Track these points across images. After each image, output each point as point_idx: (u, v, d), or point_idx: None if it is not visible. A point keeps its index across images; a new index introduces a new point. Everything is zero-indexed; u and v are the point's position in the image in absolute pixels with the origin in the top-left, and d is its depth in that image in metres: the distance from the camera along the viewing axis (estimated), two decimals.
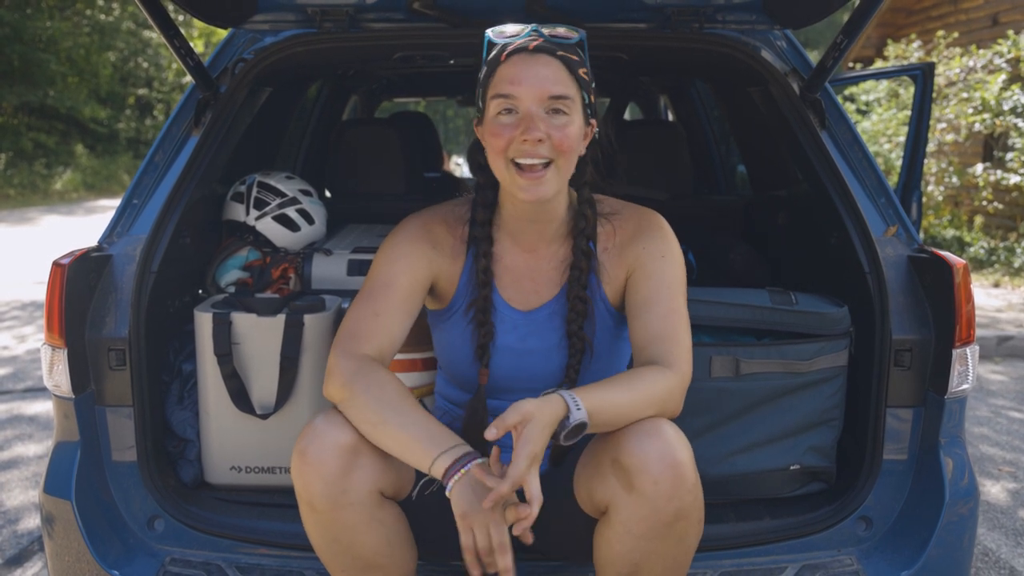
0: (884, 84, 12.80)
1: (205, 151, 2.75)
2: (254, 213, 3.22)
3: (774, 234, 3.76)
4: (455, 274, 2.22)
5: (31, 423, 5.42)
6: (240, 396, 2.70)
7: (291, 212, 3.28)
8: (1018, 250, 10.88)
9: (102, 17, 27.55)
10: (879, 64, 13.31)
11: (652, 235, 2.16)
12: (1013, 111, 10.64)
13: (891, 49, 12.98)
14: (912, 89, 4.57)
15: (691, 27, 2.82)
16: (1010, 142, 11.11)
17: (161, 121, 28.65)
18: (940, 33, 12.19)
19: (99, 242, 2.58)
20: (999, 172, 11.09)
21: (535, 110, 1.97)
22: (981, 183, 11.27)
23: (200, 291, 3.09)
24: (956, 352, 2.42)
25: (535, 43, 2.01)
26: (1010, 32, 11.23)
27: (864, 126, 12.72)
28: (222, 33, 3.14)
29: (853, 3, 2.55)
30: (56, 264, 2.37)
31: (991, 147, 12.63)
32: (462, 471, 1.83)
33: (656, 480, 1.81)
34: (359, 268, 3.14)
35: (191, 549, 2.45)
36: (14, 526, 3.97)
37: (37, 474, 4.58)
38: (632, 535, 1.87)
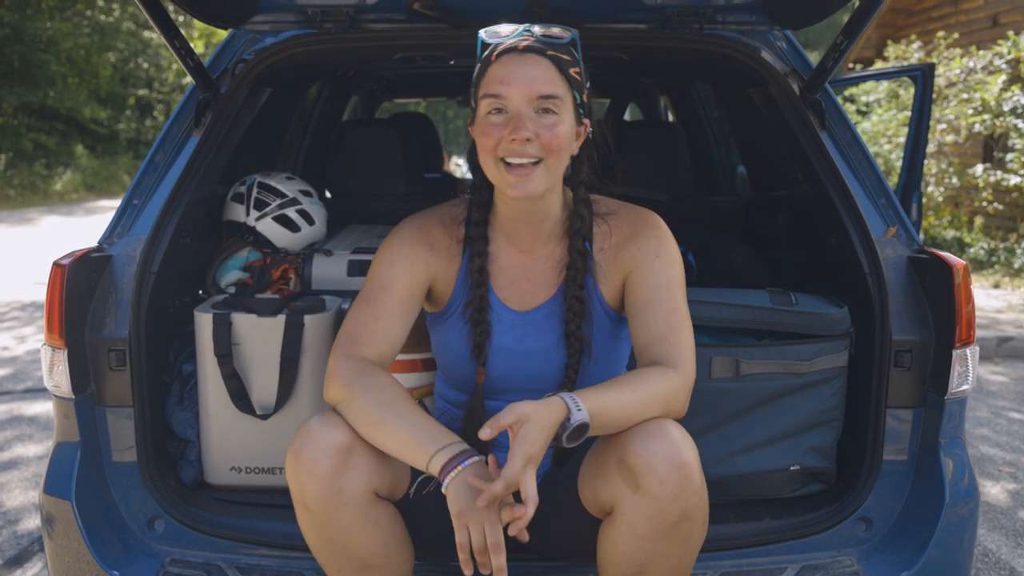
0: (884, 85, 12.80)
1: (205, 152, 2.75)
2: (254, 214, 3.22)
3: (774, 235, 3.76)
4: (451, 275, 2.22)
5: (31, 424, 5.42)
6: (240, 397, 2.70)
7: (291, 213, 3.28)
8: (1018, 251, 10.88)
9: (102, 18, 27.56)
10: (879, 65, 13.31)
11: (648, 235, 2.16)
12: (1013, 112, 10.64)
13: (891, 50, 12.98)
14: (912, 90, 4.56)
15: (691, 28, 2.82)
16: (1010, 143, 11.11)
17: (161, 122, 28.66)
18: (940, 34, 12.18)
19: (99, 242, 2.58)
20: (999, 173, 11.09)
21: (524, 109, 1.97)
22: (981, 184, 11.27)
23: (200, 292, 3.09)
24: (956, 353, 2.42)
25: (525, 43, 2.01)
26: (1010, 33, 11.22)
27: (864, 127, 12.71)
28: (222, 34, 3.14)
29: (853, 4, 2.55)
30: (56, 264, 2.37)
31: (991, 148, 12.63)
32: (458, 468, 1.83)
33: (662, 480, 1.81)
34: (359, 269, 3.14)
35: (191, 549, 2.45)
36: (14, 526, 3.96)
37: (37, 475, 4.58)
38: (637, 535, 1.87)
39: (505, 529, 2.30)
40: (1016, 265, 10.52)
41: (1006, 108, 10.64)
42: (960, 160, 11.99)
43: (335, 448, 1.91)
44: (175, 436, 2.76)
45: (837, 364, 2.63)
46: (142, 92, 30.17)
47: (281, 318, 2.69)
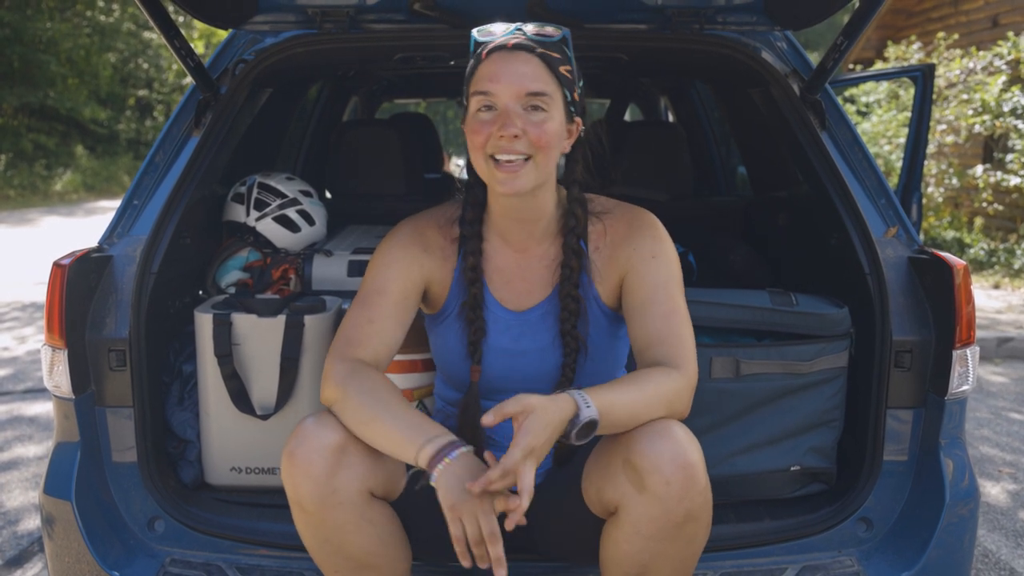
0: (884, 85, 12.79)
1: (205, 152, 2.75)
2: (254, 214, 3.22)
3: (774, 235, 3.76)
4: (447, 276, 2.23)
5: (31, 424, 5.42)
6: (240, 397, 2.70)
7: (291, 213, 3.28)
8: (1018, 252, 10.88)
9: (102, 18, 27.55)
10: (879, 66, 13.31)
11: (643, 236, 2.16)
12: (1013, 112, 10.63)
13: (891, 51, 12.98)
14: (912, 91, 4.56)
15: (691, 28, 2.82)
16: (1010, 144, 11.10)
17: (161, 122, 28.65)
18: (940, 35, 12.18)
19: (99, 243, 2.58)
20: (999, 174, 11.08)
21: (512, 106, 1.98)
22: (981, 185, 11.27)
23: (200, 292, 3.09)
24: (956, 353, 2.42)
25: (515, 41, 2.02)
26: (1010, 34, 11.21)
27: (864, 127, 12.71)
28: (222, 34, 3.15)
29: (853, 4, 2.56)
30: (56, 265, 2.37)
31: (991, 149, 12.62)
32: (447, 460, 1.82)
33: (668, 481, 1.81)
34: (359, 269, 3.14)
35: (191, 550, 2.45)
36: (14, 527, 3.96)
37: (37, 475, 4.57)
38: (641, 536, 1.87)
39: (502, 524, 2.31)
40: (1016, 266, 10.52)
41: (1006, 109, 10.63)
42: (960, 161, 11.99)
43: (329, 448, 1.92)
44: (175, 436, 2.76)
45: (837, 364, 2.63)
46: (142, 93, 30.17)
47: (281, 318, 2.69)
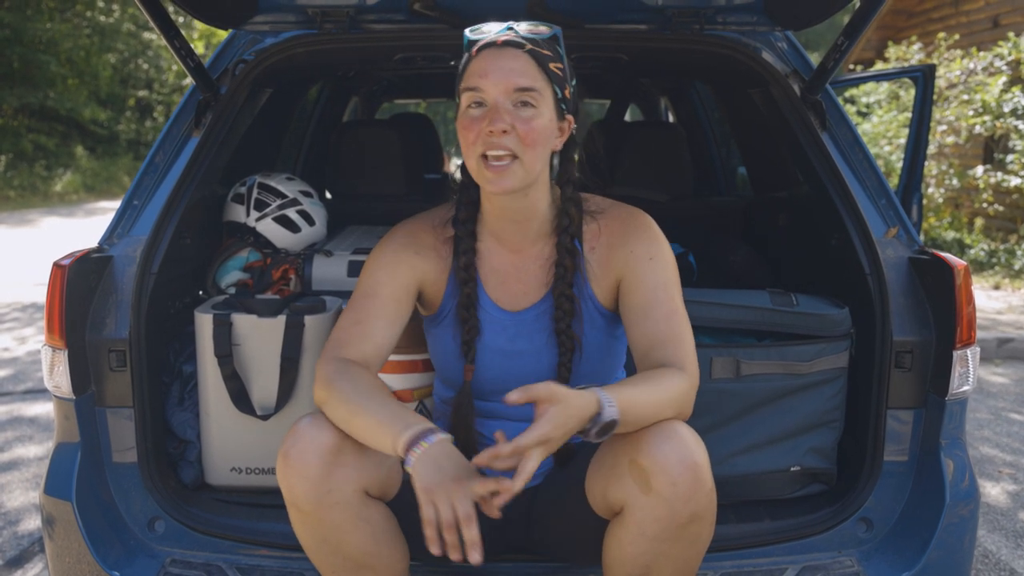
0: (885, 86, 12.79)
1: (205, 152, 2.75)
2: (254, 214, 3.22)
3: (775, 235, 3.76)
4: (441, 277, 2.23)
5: (31, 424, 5.42)
6: (240, 397, 2.70)
7: (291, 213, 3.28)
8: (1019, 252, 10.87)
9: (102, 19, 27.55)
10: (880, 66, 13.31)
11: (639, 237, 2.15)
12: (1013, 113, 10.64)
13: (892, 51, 12.98)
14: (913, 91, 4.56)
15: (692, 28, 2.82)
16: (1010, 144, 11.10)
17: (161, 123, 28.64)
18: (941, 35, 12.18)
19: (99, 243, 2.58)
20: (999, 174, 11.09)
21: (502, 102, 1.98)
22: (981, 185, 11.27)
23: (200, 292, 3.09)
24: (957, 354, 2.41)
25: (504, 38, 2.02)
26: (1011, 34, 11.22)
27: (865, 128, 12.71)
28: (223, 34, 3.15)
29: (854, 5, 2.56)
30: (56, 265, 2.37)
31: (991, 149, 12.62)
32: (423, 444, 1.80)
33: (675, 482, 1.81)
34: (359, 269, 3.13)
35: (191, 550, 2.45)
36: (14, 527, 3.96)
37: (37, 475, 4.57)
38: (646, 536, 1.87)
39: (505, 529, 2.31)
40: (1016, 266, 10.52)
41: (1006, 109, 10.64)
42: (960, 161, 11.99)
43: (323, 448, 1.92)
44: (175, 437, 2.76)
45: (838, 365, 2.63)
46: (142, 93, 30.16)
47: (281, 319, 2.69)
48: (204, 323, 2.69)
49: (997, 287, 9.89)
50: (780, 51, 2.93)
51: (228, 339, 2.68)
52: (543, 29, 2.07)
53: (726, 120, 4.76)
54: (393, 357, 2.67)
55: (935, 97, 10.30)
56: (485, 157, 2.00)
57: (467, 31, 2.10)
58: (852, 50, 2.71)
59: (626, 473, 1.87)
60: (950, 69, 11.44)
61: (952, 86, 11.36)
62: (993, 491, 4.48)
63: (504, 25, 2.06)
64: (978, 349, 2.49)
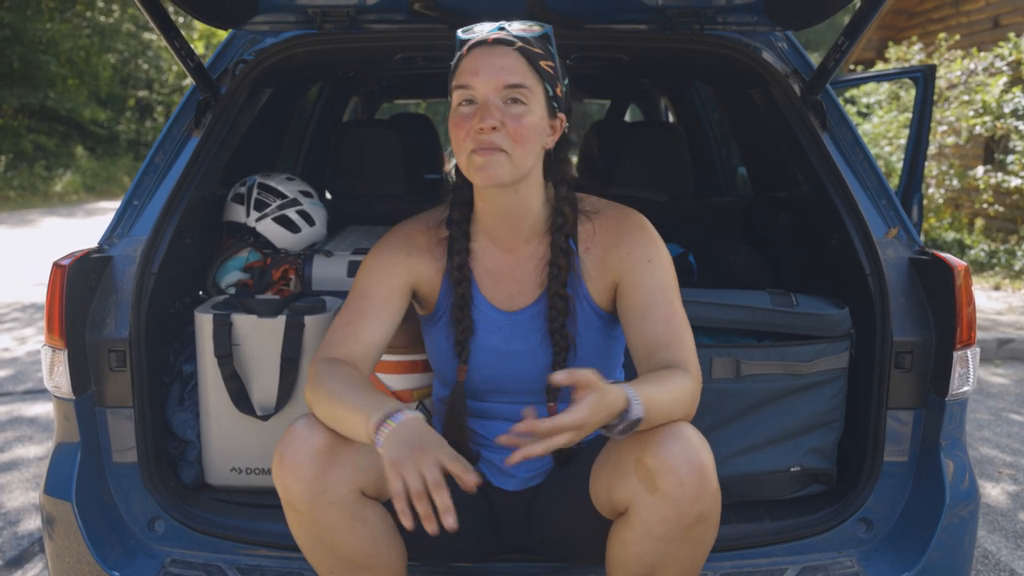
0: (885, 86, 12.79)
1: (205, 152, 2.75)
2: (254, 214, 3.22)
3: (775, 235, 3.76)
4: (435, 277, 2.23)
5: (31, 425, 5.42)
6: (240, 397, 2.70)
7: (291, 213, 3.28)
8: (1019, 253, 10.87)
9: (102, 19, 27.53)
10: (880, 66, 13.31)
11: (636, 239, 2.15)
12: (1014, 114, 10.63)
13: (892, 51, 12.97)
14: (913, 91, 4.56)
15: (692, 28, 2.82)
16: (1011, 145, 11.10)
17: (161, 123, 28.63)
18: (941, 35, 12.18)
19: (99, 243, 2.58)
20: (1000, 175, 11.09)
21: (492, 98, 1.99)
22: (982, 186, 11.27)
23: (200, 292, 3.09)
24: (957, 354, 2.41)
25: (495, 36, 2.03)
26: (1011, 35, 11.22)
27: (865, 128, 12.71)
28: (223, 34, 3.15)
29: (854, 5, 2.56)
30: (56, 265, 2.37)
31: (992, 150, 12.62)
32: (391, 422, 1.78)
33: (682, 482, 1.81)
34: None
35: (191, 550, 2.45)
36: (15, 527, 3.96)
37: (37, 476, 4.57)
38: (652, 536, 1.87)
39: (505, 529, 2.31)
40: (1017, 267, 10.52)
41: (1007, 110, 10.64)
42: (961, 162, 11.99)
43: (318, 449, 1.92)
44: (175, 437, 2.76)
45: (838, 365, 2.63)
46: (142, 93, 30.15)
47: (281, 319, 2.69)
48: (204, 323, 2.69)
49: (997, 288, 9.89)
50: (780, 51, 2.93)
51: (228, 339, 2.68)
52: (534, 28, 2.08)
53: (726, 120, 4.76)
54: (393, 357, 2.67)
55: (935, 97, 10.31)
56: (475, 150, 2.00)
57: (459, 31, 2.11)
58: (852, 50, 2.71)
59: (632, 473, 1.87)
60: (950, 69, 11.44)
61: (952, 86, 11.36)
62: (993, 492, 4.48)
63: (495, 25, 2.07)
64: (978, 350, 2.49)
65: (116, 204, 2.42)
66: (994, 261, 10.94)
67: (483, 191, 2.12)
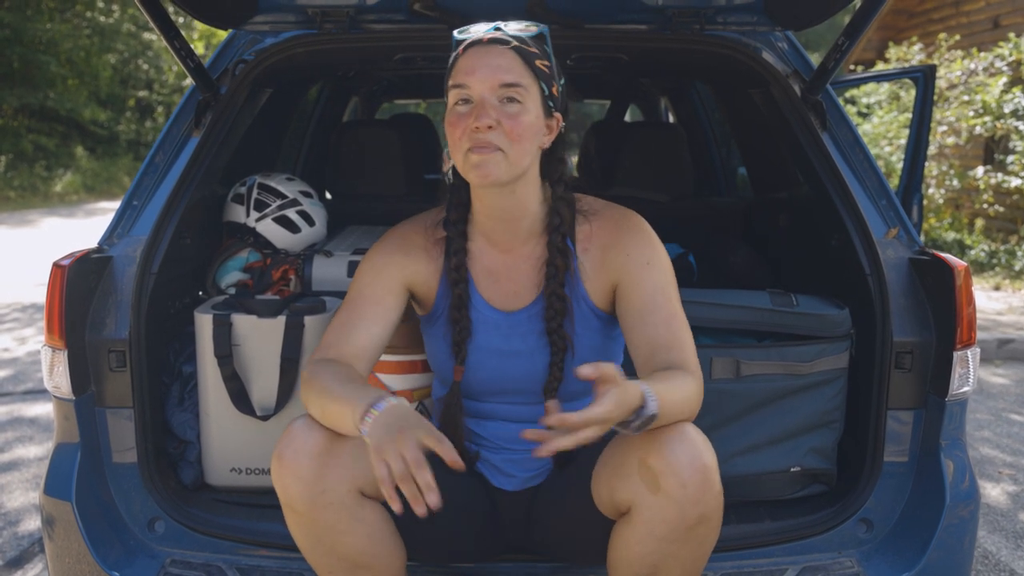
0: (885, 87, 12.79)
1: (205, 152, 2.75)
2: (254, 215, 3.22)
3: (775, 236, 3.76)
4: (433, 278, 2.23)
5: (31, 425, 5.42)
6: (240, 398, 2.70)
7: (291, 214, 3.27)
8: (1019, 253, 10.87)
9: (102, 19, 27.53)
10: (880, 67, 13.31)
11: (634, 241, 2.14)
12: (1014, 114, 10.63)
13: (892, 52, 12.98)
14: (913, 92, 4.56)
15: (692, 28, 2.82)
16: (1011, 145, 11.10)
17: (161, 123, 28.59)
18: (941, 36, 12.18)
19: (99, 243, 2.58)
20: (1000, 175, 11.08)
21: (488, 97, 1.99)
22: (982, 186, 11.27)
23: (200, 293, 3.09)
24: (957, 354, 2.41)
25: (490, 36, 2.04)
26: (1011, 35, 11.22)
27: (865, 129, 12.71)
28: (223, 35, 3.15)
29: (855, 5, 2.55)
30: (56, 265, 2.37)
31: (992, 150, 12.61)
32: (374, 411, 1.78)
33: (684, 483, 1.81)
34: None
35: (191, 550, 2.45)
36: (14, 528, 3.96)
37: (37, 476, 4.57)
38: (654, 537, 1.87)
39: (505, 529, 2.31)
40: (1017, 267, 10.51)
41: (1007, 110, 10.63)
42: (961, 162, 11.99)
43: (316, 449, 1.92)
44: (175, 437, 2.76)
45: (838, 365, 2.63)
46: (142, 94, 30.15)
47: (281, 319, 2.69)
48: (204, 323, 2.69)
49: (997, 288, 9.89)
50: (780, 51, 2.93)
51: (228, 339, 2.68)
52: (530, 28, 2.08)
53: (726, 120, 4.76)
54: (393, 358, 2.67)
55: (935, 98, 10.31)
56: (471, 148, 2.00)
57: (455, 31, 2.12)
58: (853, 50, 2.71)
59: (635, 473, 1.87)
60: (951, 70, 11.43)
61: (953, 87, 11.36)
62: (993, 492, 4.48)
63: (491, 25, 2.08)
64: (978, 350, 2.49)
65: (116, 204, 2.41)
66: (994, 261, 10.94)
67: (480, 191, 2.12)
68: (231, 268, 3.12)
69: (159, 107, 30.40)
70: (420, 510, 1.67)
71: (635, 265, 2.11)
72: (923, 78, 4.40)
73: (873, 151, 11.43)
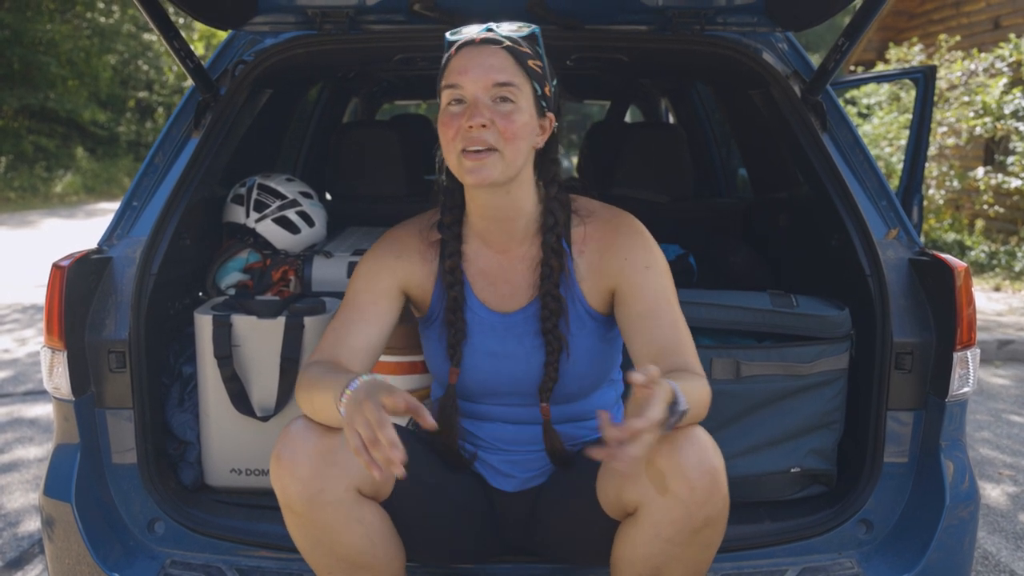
0: (885, 87, 12.78)
1: (205, 153, 2.74)
2: (254, 215, 3.22)
3: (775, 236, 3.76)
4: (428, 280, 2.23)
5: (31, 426, 5.42)
6: (240, 398, 2.70)
7: (291, 214, 3.27)
8: (1019, 254, 10.87)
9: (102, 20, 27.56)
10: (880, 67, 13.31)
11: (632, 244, 2.14)
12: (1014, 115, 10.63)
13: (892, 52, 12.97)
14: (913, 92, 4.56)
15: (692, 29, 2.82)
16: (1011, 146, 11.10)
17: (161, 124, 28.56)
18: (942, 37, 12.18)
19: (99, 244, 2.58)
20: (1000, 176, 11.08)
21: (481, 97, 1.99)
22: (982, 187, 11.27)
23: (200, 293, 3.09)
24: (957, 355, 2.41)
25: (482, 36, 2.04)
26: (1011, 36, 11.22)
27: (865, 129, 12.71)
28: (223, 35, 3.15)
29: (855, 6, 2.55)
30: (56, 266, 2.37)
31: (992, 151, 12.62)
32: (347, 392, 1.78)
33: (693, 486, 1.81)
34: None
35: (191, 551, 2.45)
36: (14, 529, 3.96)
37: (37, 477, 4.57)
38: (660, 538, 1.87)
39: (505, 530, 2.31)
40: (1017, 268, 10.52)
41: (1007, 111, 10.63)
42: (961, 163, 11.99)
43: (314, 449, 1.93)
44: (175, 438, 2.76)
45: (838, 366, 2.63)
46: (142, 94, 30.18)
47: (281, 320, 2.69)
48: (204, 324, 2.69)
49: (997, 289, 9.89)
50: (781, 52, 2.93)
51: (228, 340, 2.68)
52: (522, 28, 2.08)
53: (726, 121, 4.76)
54: (392, 358, 2.67)
55: (936, 98, 10.33)
56: (464, 152, 2.00)
57: (447, 33, 2.11)
58: (853, 51, 2.70)
59: (643, 473, 1.87)
60: (951, 70, 11.44)
61: (953, 87, 11.36)
62: (993, 493, 4.48)
63: (483, 26, 2.08)
64: (978, 351, 2.49)
65: (116, 205, 2.41)
66: (994, 262, 10.94)
67: (474, 192, 2.11)
68: (231, 269, 3.12)
69: (159, 108, 30.42)
70: (399, 471, 1.64)
71: (634, 269, 2.11)
72: (923, 79, 4.40)
73: (873, 152, 11.43)
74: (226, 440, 2.73)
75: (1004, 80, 10.79)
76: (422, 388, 2.74)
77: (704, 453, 1.83)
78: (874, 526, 2.48)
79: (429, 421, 1.67)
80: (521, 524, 2.29)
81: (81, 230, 15.46)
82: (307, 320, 2.69)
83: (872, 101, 13.26)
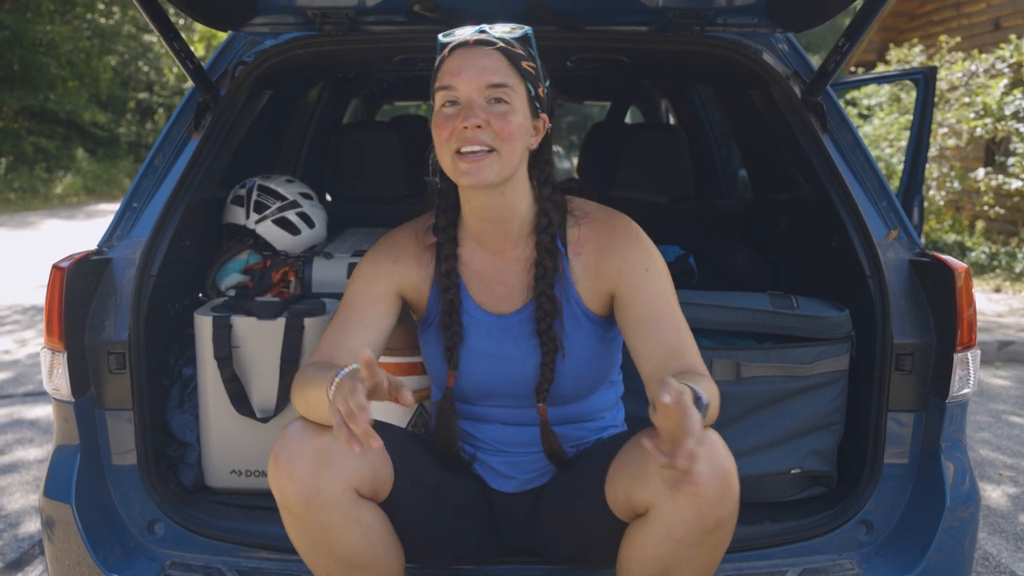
0: (886, 88, 12.78)
1: (205, 154, 2.74)
2: (254, 216, 3.22)
3: (775, 237, 3.76)
4: (424, 283, 2.23)
5: (31, 427, 5.42)
6: (240, 399, 2.70)
7: (291, 215, 3.27)
8: (1019, 255, 10.87)
9: (102, 21, 27.58)
10: (881, 68, 13.31)
11: (631, 247, 2.14)
12: (1015, 116, 10.63)
13: (893, 53, 12.97)
14: (914, 93, 4.56)
15: (692, 30, 2.82)
16: (1012, 147, 11.09)
17: (162, 125, 28.59)
18: (942, 38, 12.18)
19: (99, 245, 2.58)
20: (1000, 177, 11.08)
21: (475, 98, 1.99)
22: (983, 188, 11.26)
23: (200, 294, 3.09)
24: (957, 356, 2.41)
25: (475, 38, 2.04)
26: (1012, 37, 11.21)
27: (866, 130, 12.70)
28: (223, 36, 3.15)
29: (855, 7, 2.55)
30: (56, 267, 2.37)
31: (993, 152, 12.61)
32: (336, 380, 1.78)
33: (705, 487, 1.81)
34: None
35: (191, 553, 2.45)
36: (14, 530, 3.96)
37: (37, 478, 4.57)
38: (671, 539, 1.87)
39: (505, 531, 2.30)
40: (1017, 269, 10.52)
41: (1008, 112, 10.63)
42: (961, 164, 11.99)
43: (312, 449, 1.93)
44: (175, 439, 2.75)
45: (838, 367, 2.62)
46: (142, 95, 30.20)
47: (281, 321, 2.69)
48: (204, 325, 2.68)
49: (998, 290, 9.89)
50: (781, 53, 2.93)
51: (228, 341, 2.68)
52: (515, 29, 2.09)
53: (727, 122, 4.76)
54: (393, 360, 2.67)
55: (936, 99, 10.30)
56: (460, 153, 2.00)
57: (440, 34, 2.12)
58: (853, 52, 2.70)
59: (655, 474, 1.86)
60: (951, 71, 11.43)
61: (953, 88, 11.36)
62: (993, 494, 4.48)
63: (476, 27, 2.08)
64: (979, 352, 2.49)
65: (116, 206, 2.41)
66: (995, 263, 10.94)
67: (469, 194, 2.11)
68: (231, 270, 3.12)
69: (159, 109, 30.44)
70: (375, 443, 1.61)
71: (633, 272, 2.10)
72: (924, 80, 4.40)
73: (874, 153, 11.43)
74: (226, 441, 2.73)
75: (1005, 81, 10.79)
76: (422, 389, 2.74)
77: (717, 455, 1.83)
78: (874, 527, 2.48)
79: (408, 398, 1.67)
80: (521, 525, 2.29)
81: (81, 231, 15.47)
82: (307, 321, 2.68)
83: (872, 102, 13.26)
